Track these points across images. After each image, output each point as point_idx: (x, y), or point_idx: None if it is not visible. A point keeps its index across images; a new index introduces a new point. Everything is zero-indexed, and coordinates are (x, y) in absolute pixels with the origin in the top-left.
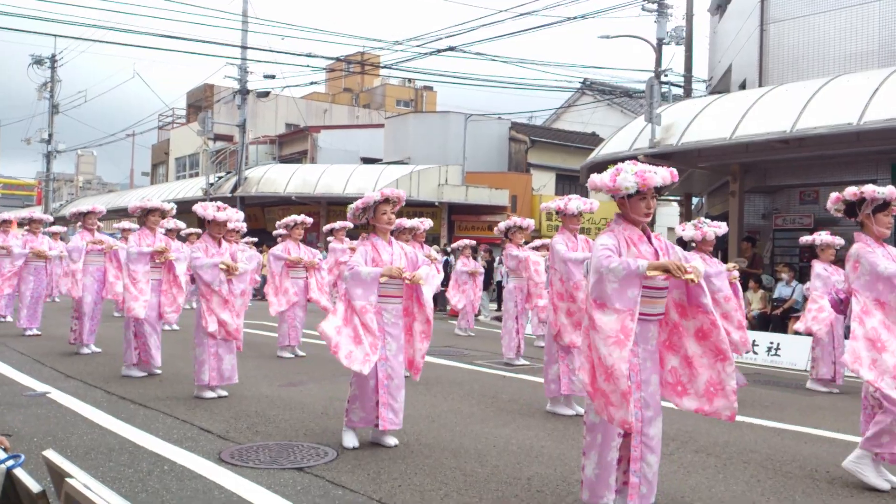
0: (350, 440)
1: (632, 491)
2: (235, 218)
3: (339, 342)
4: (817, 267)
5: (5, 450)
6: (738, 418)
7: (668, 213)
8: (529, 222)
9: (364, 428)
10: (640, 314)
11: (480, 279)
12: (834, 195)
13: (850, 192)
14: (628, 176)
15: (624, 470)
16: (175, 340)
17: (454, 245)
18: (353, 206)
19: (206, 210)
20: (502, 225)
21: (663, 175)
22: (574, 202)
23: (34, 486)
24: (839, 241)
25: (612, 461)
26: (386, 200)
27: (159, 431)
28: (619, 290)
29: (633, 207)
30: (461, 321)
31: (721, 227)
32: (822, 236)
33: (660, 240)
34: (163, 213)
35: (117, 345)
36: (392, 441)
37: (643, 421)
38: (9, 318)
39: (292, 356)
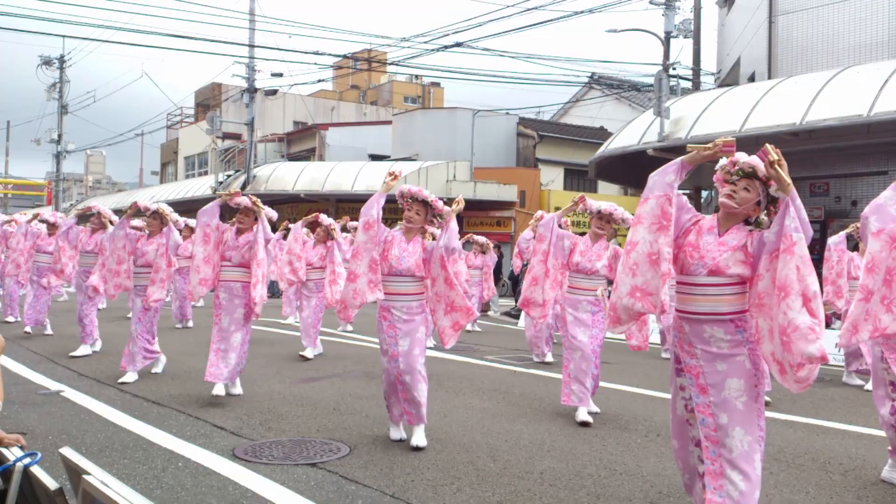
0: (396, 433)
1: None
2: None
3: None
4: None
5: (21, 448)
6: None
7: None
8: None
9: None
10: (683, 311)
11: (489, 275)
12: None
13: None
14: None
15: (700, 477)
16: (188, 338)
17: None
18: (400, 188)
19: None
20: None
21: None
22: (597, 202)
23: (51, 484)
24: None
25: (696, 468)
26: (414, 198)
27: (173, 428)
28: (658, 179)
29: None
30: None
31: None
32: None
33: (751, 235)
34: (161, 217)
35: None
36: (417, 441)
37: (717, 429)
38: (20, 319)
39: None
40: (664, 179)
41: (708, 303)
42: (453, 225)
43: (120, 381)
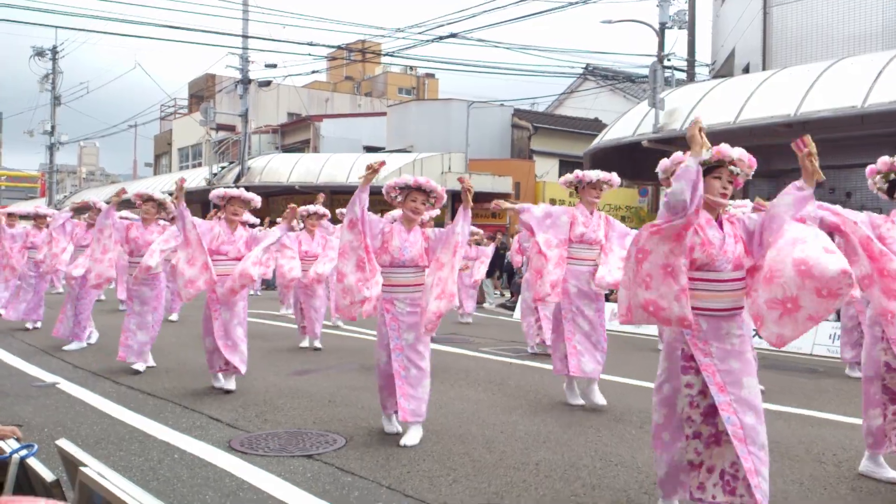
0: (390, 426)
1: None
2: (249, 196)
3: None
4: None
5: (18, 440)
6: None
7: None
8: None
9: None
10: (702, 309)
11: (480, 266)
12: (869, 167)
13: (885, 160)
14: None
15: (728, 486)
16: (182, 330)
17: None
18: (388, 183)
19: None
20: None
21: (739, 150)
22: (594, 171)
23: (48, 475)
24: None
25: (680, 462)
26: (419, 189)
27: (168, 420)
28: (677, 202)
29: (706, 187)
30: (459, 309)
31: (746, 206)
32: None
33: (734, 224)
34: (158, 205)
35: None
36: (411, 439)
37: (744, 428)
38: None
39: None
40: (685, 202)
41: (732, 297)
42: (468, 212)
43: (134, 367)
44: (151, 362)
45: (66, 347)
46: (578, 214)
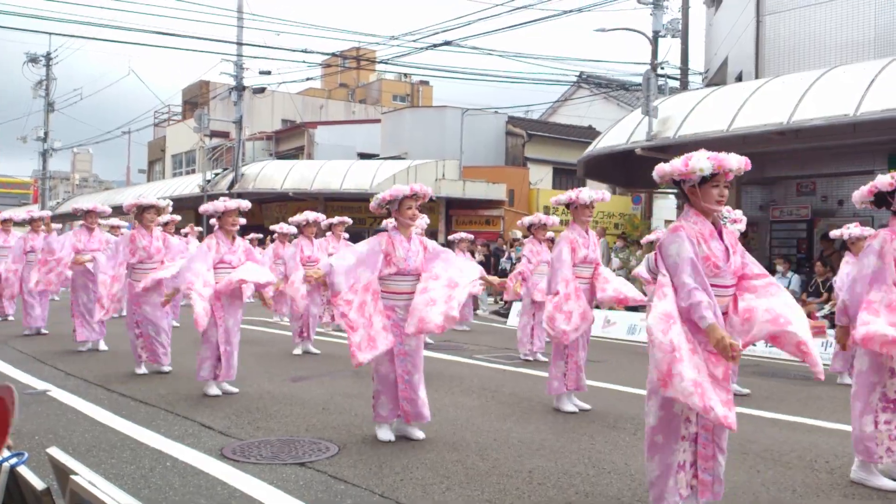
0: (385, 434)
1: (703, 487)
2: (245, 205)
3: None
4: (850, 260)
5: (8, 447)
6: (737, 410)
7: (666, 205)
8: (554, 219)
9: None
10: None
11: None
12: (866, 188)
13: (885, 181)
14: (702, 158)
15: (693, 474)
16: (175, 337)
17: (451, 237)
18: (379, 196)
19: (214, 206)
20: (526, 220)
21: (738, 160)
22: (586, 192)
23: (38, 484)
24: (868, 230)
25: (673, 463)
26: (413, 195)
27: (161, 428)
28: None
29: (704, 195)
30: None
31: (741, 222)
32: (852, 229)
33: (732, 234)
34: (158, 211)
35: (118, 343)
36: (419, 434)
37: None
38: (10, 318)
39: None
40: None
41: (725, 302)
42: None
43: (164, 369)
44: (144, 370)
45: (91, 347)
46: (577, 237)
